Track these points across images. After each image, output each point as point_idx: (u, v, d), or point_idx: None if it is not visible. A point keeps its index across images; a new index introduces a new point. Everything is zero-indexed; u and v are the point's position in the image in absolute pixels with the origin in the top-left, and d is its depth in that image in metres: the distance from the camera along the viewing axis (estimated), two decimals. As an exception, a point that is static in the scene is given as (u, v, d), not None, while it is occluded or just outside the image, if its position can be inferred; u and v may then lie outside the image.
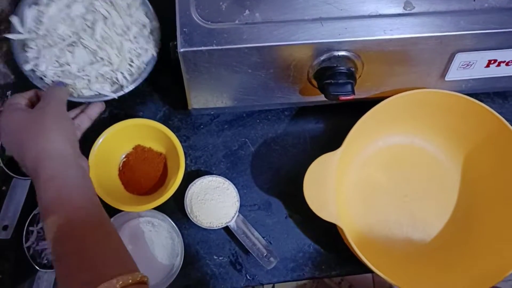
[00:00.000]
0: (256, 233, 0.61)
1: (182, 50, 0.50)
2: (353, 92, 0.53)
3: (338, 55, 0.52)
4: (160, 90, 0.67)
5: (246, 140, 0.67)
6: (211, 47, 0.50)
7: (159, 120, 0.66)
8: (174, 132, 0.63)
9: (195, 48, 0.50)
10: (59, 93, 0.53)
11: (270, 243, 0.64)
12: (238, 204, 0.61)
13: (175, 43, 0.50)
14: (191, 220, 0.61)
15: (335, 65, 0.53)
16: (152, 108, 0.67)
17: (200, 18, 0.50)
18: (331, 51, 0.52)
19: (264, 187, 0.65)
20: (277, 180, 0.65)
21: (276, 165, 0.66)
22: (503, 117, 0.68)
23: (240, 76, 0.54)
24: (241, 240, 0.61)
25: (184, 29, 0.50)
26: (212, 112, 0.61)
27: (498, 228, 0.60)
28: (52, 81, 0.58)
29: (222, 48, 0.50)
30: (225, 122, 0.67)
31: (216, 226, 0.61)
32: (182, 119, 0.67)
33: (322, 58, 0.52)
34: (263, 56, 0.52)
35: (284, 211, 0.65)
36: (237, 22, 0.50)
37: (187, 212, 0.60)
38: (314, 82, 0.55)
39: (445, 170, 0.66)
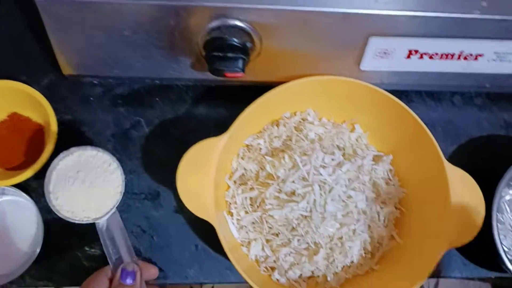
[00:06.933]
0: (128, 242, 0.51)
1: (38, -2, 0.42)
2: (242, 70, 0.45)
3: (230, 24, 0.44)
4: (50, 52, 0.59)
5: (141, 119, 0.58)
6: (72, -3, 0.42)
7: (44, 87, 0.58)
8: (59, 102, 0.55)
9: (53, -3, 0.42)
10: None
11: (153, 238, 0.56)
12: (119, 196, 0.49)
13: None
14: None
15: (226, 36, 0.45)
16: (38, 72, 0.58)
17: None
18: (223, 18, 0.44)
19: (154, 175, 0.57)
20: (170, 169, 0.56)
21: (172, 151, 0.57)
22: (433, 121, 0.61)
23: (117, 38, 0.46)
24: (103, 244, 0.49)
25: (42, -26, 0.42)
26: (95, 82, 0.53)
27: (420, 225, 0.53)
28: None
29: (84, 1, 0.42)
30: (119, 96, 0.58)
31: (79, 220, 0.48)
32: (71, 88, 0.58)
33: (211, 26, 0.44)
34: (137, 16, 0.44)
35: (173, 204, 0.57)
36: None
37: (45, 190, 0.48)
38: (204, 53, 0.47)
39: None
